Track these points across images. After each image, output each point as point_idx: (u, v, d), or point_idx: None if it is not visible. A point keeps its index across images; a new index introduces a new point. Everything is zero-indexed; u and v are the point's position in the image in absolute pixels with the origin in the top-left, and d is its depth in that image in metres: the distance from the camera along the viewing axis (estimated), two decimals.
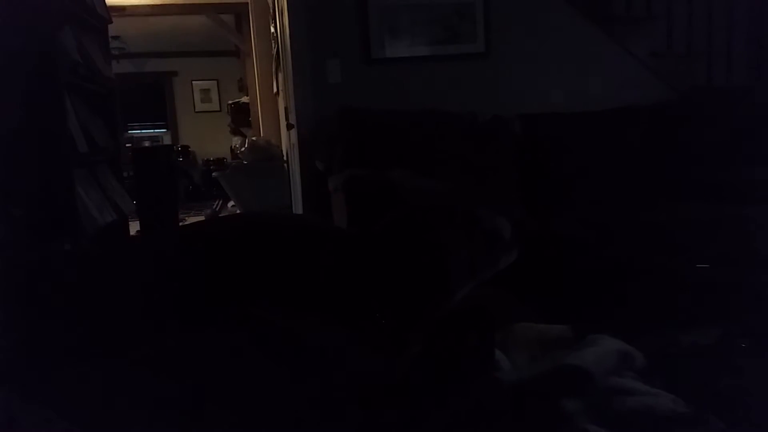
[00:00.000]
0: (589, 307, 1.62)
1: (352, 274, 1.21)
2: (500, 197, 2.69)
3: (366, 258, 1.25)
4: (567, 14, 3.32)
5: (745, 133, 2.93)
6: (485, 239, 1.31)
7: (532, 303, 1.64)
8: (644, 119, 3.09)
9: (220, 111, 10.06)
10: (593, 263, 2.01)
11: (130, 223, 3.83)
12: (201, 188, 9.53)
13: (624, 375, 1.21)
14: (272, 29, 4.87)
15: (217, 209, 6.94)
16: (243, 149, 5.69)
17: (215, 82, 10.47)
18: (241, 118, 7.37)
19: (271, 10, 4.80)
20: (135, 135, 10.46)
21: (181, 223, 5.20)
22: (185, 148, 9.98)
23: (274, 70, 5.12)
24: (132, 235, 3.94)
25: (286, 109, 4.12)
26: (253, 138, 6.04)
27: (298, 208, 3.91)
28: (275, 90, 5.29)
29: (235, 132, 7.69)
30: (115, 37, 7.24)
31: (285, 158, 5.00)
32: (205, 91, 10.54)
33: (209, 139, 9.95)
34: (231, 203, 6.68)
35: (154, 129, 10.75)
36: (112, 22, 3.78)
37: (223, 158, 9.07)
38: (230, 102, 7.91)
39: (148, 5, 6.38)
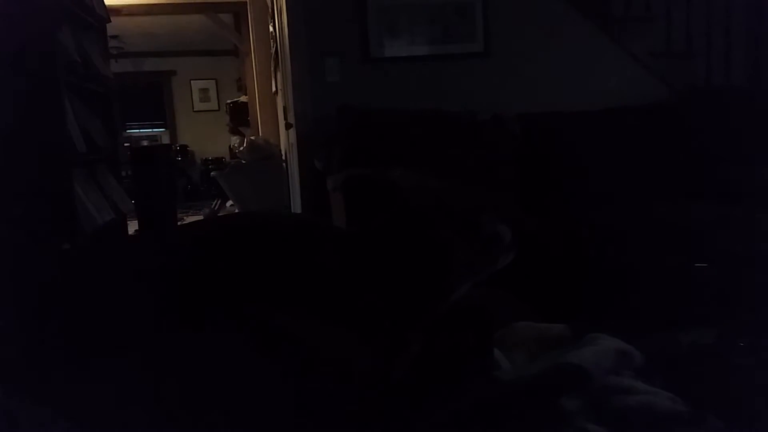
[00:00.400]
0: (588, 305, 1.63)
1: (350, 272, 1.21)
2: (499, 196, 2.69)
3: (365, 257, 1.25)
4: (566, 13, 3.32)
5: (744, 133, 2.93)
6: (484, 238, 1.31)
7: (531, 302, 1.64)
8: (643, 119, 3.09)
9: (218, 110, 10.06)
10: (592, 262, 2.01)
11: (128, 222, 3.83)
12: (199, 187, 9.54)
13: (623, 374, 1.21)
14: (271, 28, 4.87)
15: (216, 208, 6.94)
16: (242, 148, 5.69)
17: (214, 81, 10.47)
18: (239, 117, 7.36)
19: (270, 10, 4.80)
20: (134, 134, 10.46)
21: (179, 223, 5.20)
22: (184, 147, 9.98)
23: (272, 69, 5.12)
24: (130, 235, 3.94)
25: (284, 108, 4.12)
26: (252, 137, 6.04)
27: (296, 207, 3.91)
28: (274, 89, 5.29)
29: (234, 131, 7.68)
30: (114, 37, 7.24)
31: (283, 157, 4.99)
32: (204, 91, 10.54)
33: (208, 138, 9.95)
34: (229, 202, 6.68)
35: (152, 128, 10.75)
36: (110, 21, 3.78)
37: (222, 157, 9.08)
38: (229, 101, 7.91)
39: (147, 4, 6.38)
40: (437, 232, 1.26)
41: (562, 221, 2.45)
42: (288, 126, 3.62)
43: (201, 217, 6.30)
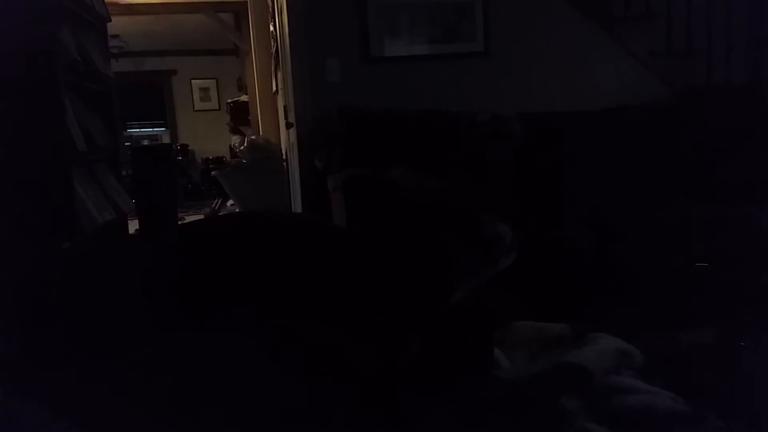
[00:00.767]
0: (589, 305, 1.63)
1: (351, 272, 1.21)
2: (499, 196, 2.69)
3: (365, 257, 1.25)
4: (566, 13, 3.32)
5: (744, 133, 2.93)
6: (484, 239, 1.31)
7: (531, 302, 1.64)
8: (643, 119, 3.09)
9: (219, 110, 10.05)
10: (593, 262, 2.01)
11: (129, 221, 3.83)
12: (200, 187, 9.53)
13: (623, 373, 1.21)
14: (271, 28, 4.87)
15: (216, 208, 6.94)
16: (242, 148, 5.69)
17: (214, 80, 10.47)
18: (240, 116, 7.36)
19: (271, 9, 4.79)
20: (134, 134, 10.46)
21: (180, 222, 5.20)
22: (184, 146, 9.98)
23: (273, 68, 5.12)
24: (131, 234, 3.94)
25: (285, 107, 4.12)
26: (253, 137, 6.04)
27: (297, 206, 3.91)
28: (274, 89, 5.28)
29: (234, 131, 7.68)
30: (115, 36, 7.24)
31: (284, 157, 4.99)
32: (205, 90, 10.54)
33: (208, 137, 9.94)
34: (230, 202, 6.68)
35: (153, 128, 10.75)
36: (111, 21, 3.78)
37: (222, 157, 9.07)
38: (229, 101, 7.90)
39: (148, 4, 6.37)
40: (437, 232, 1.26)
41: (561, 220, 2.45)
42: (288, 125, 3.62)
43: (201, 217, 6.30)
